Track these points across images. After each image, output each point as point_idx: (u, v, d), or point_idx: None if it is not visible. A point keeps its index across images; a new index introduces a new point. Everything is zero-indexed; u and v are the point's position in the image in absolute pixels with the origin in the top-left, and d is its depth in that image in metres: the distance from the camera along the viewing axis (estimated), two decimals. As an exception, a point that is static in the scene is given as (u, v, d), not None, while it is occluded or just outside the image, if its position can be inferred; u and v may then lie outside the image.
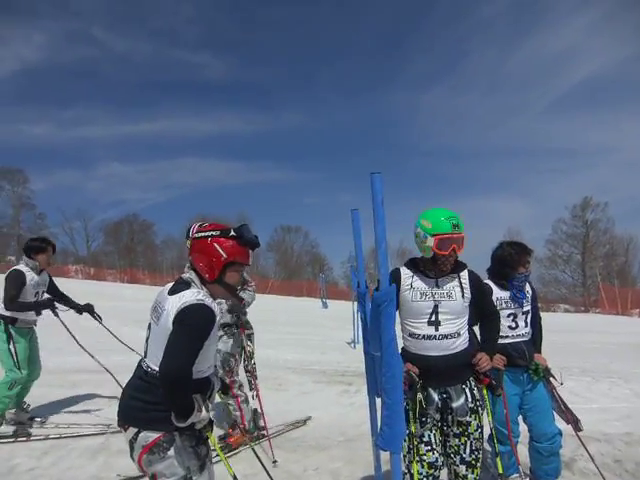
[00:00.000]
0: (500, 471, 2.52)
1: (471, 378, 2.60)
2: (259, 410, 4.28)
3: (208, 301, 1.96)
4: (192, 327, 1.89)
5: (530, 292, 3.34)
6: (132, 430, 1.97)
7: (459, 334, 2.56)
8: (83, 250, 51.94)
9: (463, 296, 2.56)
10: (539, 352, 3.32)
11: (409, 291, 2.54)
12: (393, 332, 1.63)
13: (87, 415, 4.87)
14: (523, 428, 3.33)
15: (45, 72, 69.50)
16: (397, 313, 2.62)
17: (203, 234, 2.07)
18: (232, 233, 2.05)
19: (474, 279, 2.65)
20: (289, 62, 76.15)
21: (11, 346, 4.31)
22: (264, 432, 4.21)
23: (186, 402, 1.89)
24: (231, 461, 3.62)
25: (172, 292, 2.02)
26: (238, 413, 4.17)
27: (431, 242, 2.46)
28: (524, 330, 3.28)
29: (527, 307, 3.29)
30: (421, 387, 2.44)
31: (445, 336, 2.52)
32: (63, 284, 5.30)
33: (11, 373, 4.31)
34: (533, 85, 70.94)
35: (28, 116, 70.14)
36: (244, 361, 4.31)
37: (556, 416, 3.29)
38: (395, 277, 2.56)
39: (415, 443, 2.45)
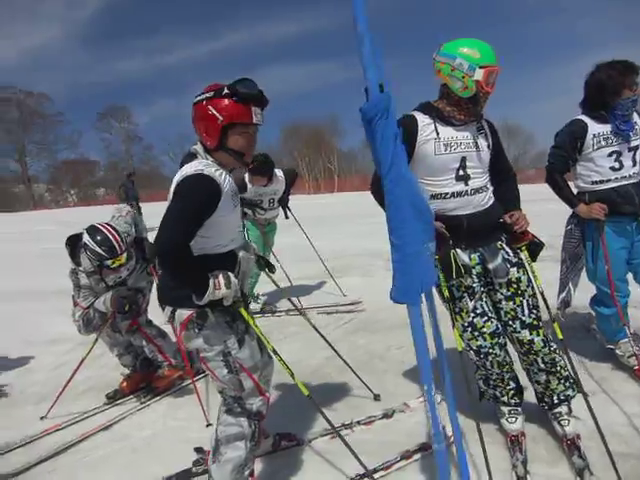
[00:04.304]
0: (560, 337, 2.14)
1: (503, 237, 2.21)
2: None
3: (210, 170, 1.78)
4: (184, 198, 1.75)
5: (639, 123, 2.64)
6: (168, 309, 1.95)
7: (487, 187, 2.18)
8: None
9: (489, 146, 2.16)
10: None
11: (432, 142, 2.06)
12: (391, 154, 1.24)
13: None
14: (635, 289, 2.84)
15: (124, 4, 71.57)
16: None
17: (198, 98, 1.84)
18: (226, 91, 1.78)
19: (492, 127, 2.22)
20: None
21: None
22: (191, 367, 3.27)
23: (192, 278, 1.79)
24: (293, 346, 3.70)
25: (180, 165, 1.91)
26: (155, 352, 3.37)
27: (480, 75, 1.92)
28: (632, 170, 2.64)
29: (636, 141, 2.63)
30: (453, 246, 2.07)
31: (476, 190, 2.13)
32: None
33: None
34: None
35: (119, 53, 74.23)
36: None
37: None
38: (410, 126, 2.06)
39: (469, 319, 2.15)
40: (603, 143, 2.61)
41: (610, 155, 2.61)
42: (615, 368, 2.88)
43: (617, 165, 2.62)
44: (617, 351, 2.87)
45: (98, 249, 2.84)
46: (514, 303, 2.16)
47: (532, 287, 2.20)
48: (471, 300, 2.15)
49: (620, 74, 2.51)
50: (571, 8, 66.00)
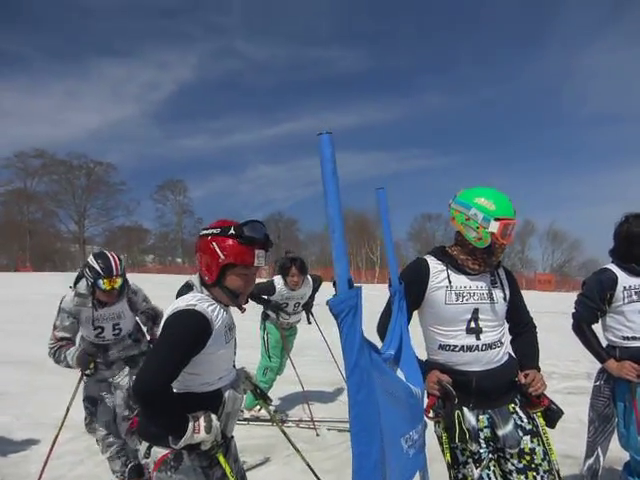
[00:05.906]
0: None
1: (517, 398, 2.02)
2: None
3: (202, 306, 1.73)
4: (171, 336, 1.68)
5: None
6: (145, 444, 1.83)
7: (502, 342, 2.04)
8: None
9: (505, 298, 2.03)
10: None
11: (443, 290, 1.98)
12: (356, 355, 1.13)
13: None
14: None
15: (197, 89, 78.09)
16: (419, 317, 2.11)
17: (205, 232, 1.84)
18: (231, 231, 1.78)
19: (511, 278, 2.11)
20: (423, 41, 74.50)
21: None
22: None
23: (169, 420, 1.69)
24: (295, 467, 3.39)
25: (177, 296, 1.87)
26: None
27: (495, 227, 1.89)
28: (667, 329, 2.42)
29: (671, 298, 2.43)
30: (459, 404, 1.89)
31: (489, 346, 1.98)
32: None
33: (263, 360, 4.85)
34: None
35: (185, 131, 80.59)
36: None
37: None
38: (421, 270, 2.02)
39: None
40: (635, 297, 2.44)
41: None
42: None
43: (651, 322, 2.42)
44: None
45: (96, 265, 3.03)
46: (526, 478, 1.92)
47: (548, 461, 1.95)
48: (477, 468, 1.93)
49: None
50: (628, 118, 67.46)
